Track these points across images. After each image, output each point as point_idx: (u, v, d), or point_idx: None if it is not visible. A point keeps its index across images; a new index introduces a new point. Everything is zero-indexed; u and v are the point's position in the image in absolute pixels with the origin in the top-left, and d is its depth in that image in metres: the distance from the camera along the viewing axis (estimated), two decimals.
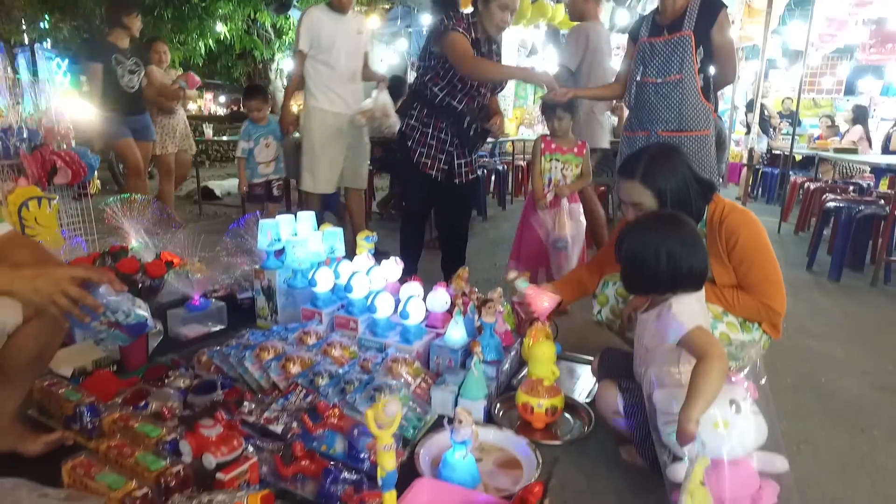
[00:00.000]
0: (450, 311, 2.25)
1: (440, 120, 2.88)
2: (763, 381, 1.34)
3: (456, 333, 2.06)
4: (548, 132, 3.02)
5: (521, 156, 8.41)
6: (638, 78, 2.66)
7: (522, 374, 2.12)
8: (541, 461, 1.57)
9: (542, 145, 2.95)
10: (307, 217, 2.79)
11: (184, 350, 2.33)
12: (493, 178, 7.11)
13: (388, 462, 1.07)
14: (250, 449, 1.52)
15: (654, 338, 1.49)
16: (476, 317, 2.08)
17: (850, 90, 12.58)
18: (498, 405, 1.92)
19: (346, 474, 1.45)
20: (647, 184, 1.72)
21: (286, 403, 1.75)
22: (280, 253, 2.64)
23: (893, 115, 10.49)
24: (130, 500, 1.23)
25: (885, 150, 7.31)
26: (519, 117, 9.76)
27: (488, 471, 1.59)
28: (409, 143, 2.94)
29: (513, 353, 2.18)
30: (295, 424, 1.66)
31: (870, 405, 2.07)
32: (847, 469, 1.67)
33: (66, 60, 10.83)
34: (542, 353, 1.78)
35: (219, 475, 1.33)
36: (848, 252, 3.94)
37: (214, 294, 2.89)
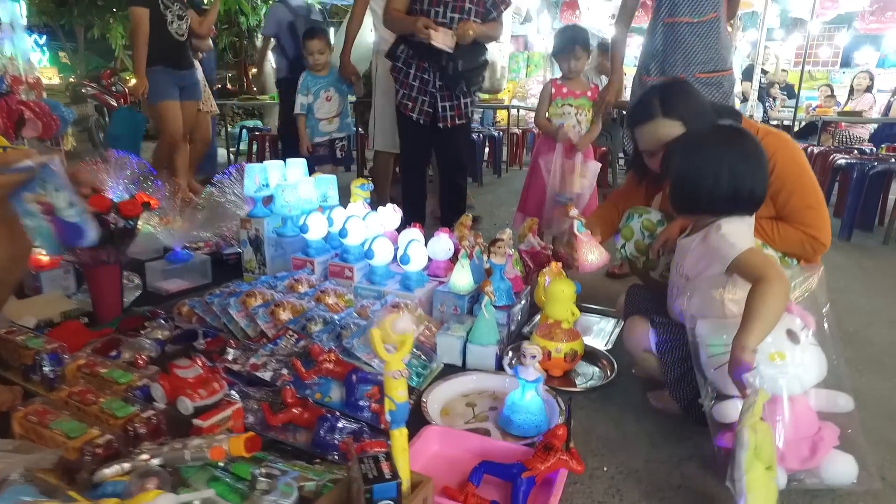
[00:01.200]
0: (453, 260, 2.07)
1: (422, 60, 2.68)
2: (825, 310, 1.18)
3: (462, 278, 1.88)
4: (558, 77, 2.75)
5: (517, 127, 8.21)
6: (664, 18, 2.44)
7: (534, 322, 1.96)
8: (563, 407, 1.41)
9: (553, 90, 2.70)
10: (297, 163, 2.58)
11: (164, 304, 2.13)
12: (486, 146, 6.90)
13: (399, 392, 0.89)
14: (235, 396, 1.35)
15: (697, 264, 1.31)
16: (485, 258, 1.90)
17: (846, 62, 12.42)
18: (510, 353, 1.74)
19: (343, 423, 1.27)
20: (671, 115, 1.53)
21: (275, 349, 1.56)
22: (269, 201, 2.44)
23: (891, 85, 10.35)
24: (91, 450, 1.05)
25: (883, 122, 7.16)
26: (511, 90, 9.52)
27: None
28: (396, 87, 2.77)
29: (523, 301, 2.01)
30: (285, 371, 1.48)
31: None
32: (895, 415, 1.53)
33: (45, 37, 10.36)
34: (560, 291, 1.61)
35: (196, 421, 1.14)
36: (858, 212, 3.82)
37: (198, 251, 2.70)
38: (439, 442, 1.25)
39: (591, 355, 1.74)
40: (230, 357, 1.58)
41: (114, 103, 8.22)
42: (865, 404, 1.55)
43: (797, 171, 1.52)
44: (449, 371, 1.63)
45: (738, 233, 1.23)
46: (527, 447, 1.21)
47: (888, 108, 7.55)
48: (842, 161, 3.98)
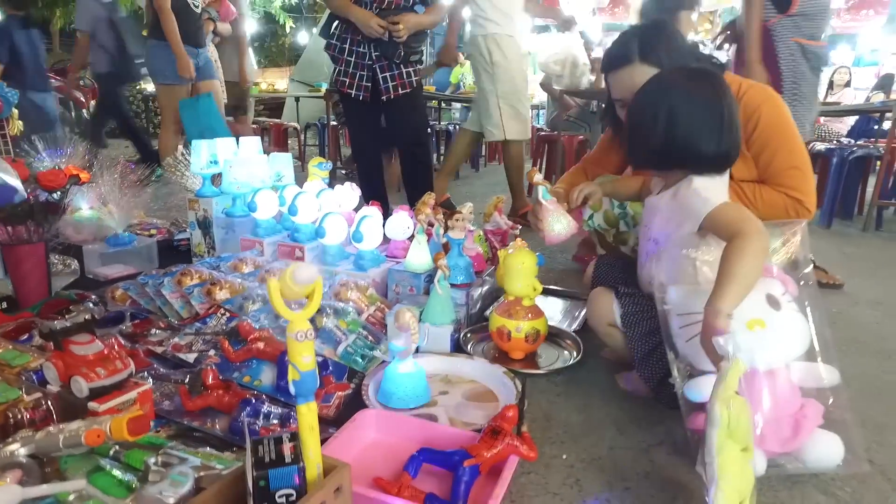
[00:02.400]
0: (412, 240, 1.92)
1: (356, 33, 2.57)
2: (808, 270, 1.06)
3: (418, 256, 1.74)
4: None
5: None
6: None
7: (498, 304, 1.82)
8: (520, 391, 1.26)
9: None
10: (252, 141, 2.42)
11: (100, 289, 1.96)
12: None
13: (304, 358, 0.74)
14: (147, 378, 1.19)
15: (667, 224, 1.18)
16: (442, 233, 1.75)
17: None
18: (468, 335, 1.61)
19: (269, 407, 1.12)
20: (649, 60, 1.37)
21: (202, 328, 1.40)
22: (219, 180, 2.27)
23: (866, 84, 10.41)
24: None
25: (863, 114, 7.16)
26: None
27: (455, 405, 1.28)
28: (333, 64, 2.68)
29: (486, 285, 1.87)
30: (212, 352, 1.32)
31: (890, 332, 1.82)
32: (884, 394, 1.41)
33: None
34: (518, 263, 1.46)
35: (91, 405, 0.98)
36: (838, 200, 3.75)
37: (151, 237, 2.52)
38: (377, 427, 1.11)
39: (555, 336, 1.61)
40: (154, 339, 1.41)
41: (81, 98, 7.96)
42: (853, 383, 1.43)
43: (783, 127, 1.39)
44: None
45: (712, 188, 1.10)
46: (476, 433, 1.07)
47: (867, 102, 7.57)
48: (821, 147, 3.91)
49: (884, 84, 7.82)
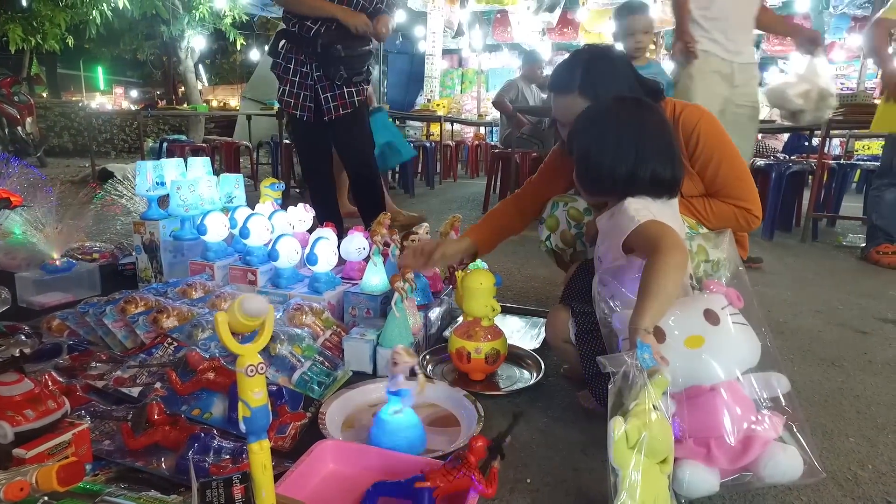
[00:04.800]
0: (368, 261, 1.89)
1: (300, 52, 2.57)
2: (745, 279, 1.08)
3: (374, 278, 1.70)
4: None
5: (450, 139, 8.20)
6: None
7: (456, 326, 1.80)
8: (482, 414, 1.25)
9: None
10: (200, 162, 2.34)
11: (35, 320, 1.83)
12: (420, 157, 6.78)
13: (255, 394, 0.70)
14: (86, 416, 1.11)
15: (605, 241, 1.19)
16: (398, 253, 1.73)
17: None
18: (427, 357, 1.58)
19: (220, 441, 1.07)
20: (587, 94, 1.39)
21: (147, 359, 1.33)
22: (166, 202, 2.18)
23: None
24: None
25: (795, 131, 7.58)
26: (446, 106, 9.52)
27: None
28: (279, 84, 2.67)
29: (443, 305, 1.85)
30: (159, 385, 1.25)
31: (832, 339, 1.90)
32: (829, 400, 1.46)
33: None
34: (477, 283, 1.45)
35: (17, 451, 0.90)
36: (778, 212, 3.94)
37: (93, 262, 2.40)
38: (334, 458, 1.07)
39: (516, 356, 1.60)
40: (95, 371, 1.33)
41: (15, 114, 7.62)
42: (799, 391, 1.50)
43: (721, 142, 1.44)
44: (358, 380, 1.45)
45: (643, 208, 1.12)
46: (438, 460, 1.04)
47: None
48: (761, 163, 4.10)
49: None
